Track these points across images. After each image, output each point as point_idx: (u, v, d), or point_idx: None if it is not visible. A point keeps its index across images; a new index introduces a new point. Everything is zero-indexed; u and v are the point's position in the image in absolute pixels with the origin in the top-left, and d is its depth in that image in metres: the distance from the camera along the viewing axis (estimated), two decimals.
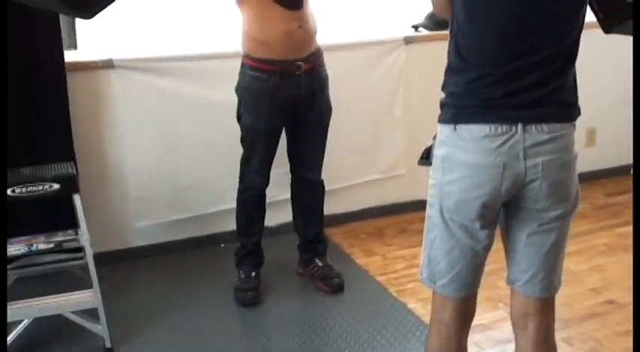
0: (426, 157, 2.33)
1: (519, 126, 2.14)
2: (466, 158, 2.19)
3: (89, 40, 4.11)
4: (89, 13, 2.23)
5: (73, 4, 2.18)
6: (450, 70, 2.25)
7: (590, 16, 2.49)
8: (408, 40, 4.49)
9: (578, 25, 2.19)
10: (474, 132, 2.16)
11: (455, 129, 2.20)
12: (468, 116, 2.17)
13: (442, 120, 2.25)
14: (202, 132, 4.13)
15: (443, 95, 2.28)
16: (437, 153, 2.27)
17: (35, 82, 3.71)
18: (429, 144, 2.32)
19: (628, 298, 3.65)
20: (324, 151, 3.81)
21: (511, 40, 2.15)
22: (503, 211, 2.32)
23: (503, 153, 2.15)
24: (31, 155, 3.68)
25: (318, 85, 3.63)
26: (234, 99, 3.61)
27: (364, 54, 4.43)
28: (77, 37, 4.06)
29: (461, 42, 2.19)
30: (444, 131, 2.24)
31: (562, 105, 2.21)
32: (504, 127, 2.14)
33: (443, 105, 2.26)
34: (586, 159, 4.86)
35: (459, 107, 2.21)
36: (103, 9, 2.20)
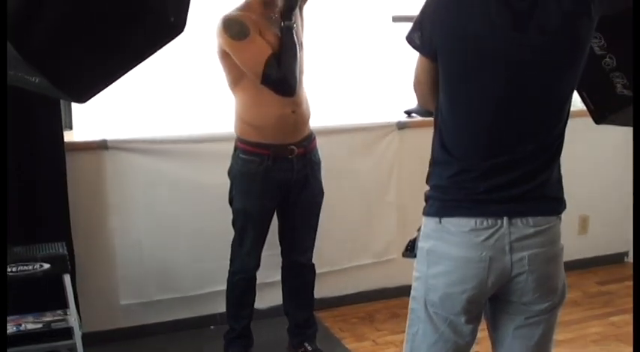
0: (411, 249, 2.33)
1: (505, 219, 2.15)
2: (452, 251, 2.18)
3: (84, 121, 4.14)
4: (83, 98, 2.25)
5: (67, 89, 2.20)
6: (434, 163, 2.27)
7: (581, 105, 2.53)
8: (401, 126, 4.51)
9: (563, 119, 2.21)
10: (460, 225, 2.16)
11: (440, 222, 2.20)
12: (453, 210, 2.18)
13: (427, 213, 2.26)
14: (193, 213, 4.12)
15: (427, 188, 2.29)
16: (422, 245, 2.26)
17: (34, 162, 3.72)
18: (414, 236, 2.33)
19: None
20: (315, 235, 3.81)
21: (496, 135, 2.17)
22: (489, 304, 2.31)
23: (489, 247, 2.15)
24: (26, 234, 3.65)
25: (311, 168, 3.65)
26: (226, 181, 3.62)
27: (357, 138, 4.45)
28: (73, 118, 4.09)
29: (445, 135, 2.21)
30: (429, 224, 2.24)
31: (548, 199, 2.22)
32: (490, 221, 2.14)
33: (427, 198, 2.27)
34: (578, 247, 4.93)
35: (443, 200, 2.22)
36: (97, 94, 2.21)
